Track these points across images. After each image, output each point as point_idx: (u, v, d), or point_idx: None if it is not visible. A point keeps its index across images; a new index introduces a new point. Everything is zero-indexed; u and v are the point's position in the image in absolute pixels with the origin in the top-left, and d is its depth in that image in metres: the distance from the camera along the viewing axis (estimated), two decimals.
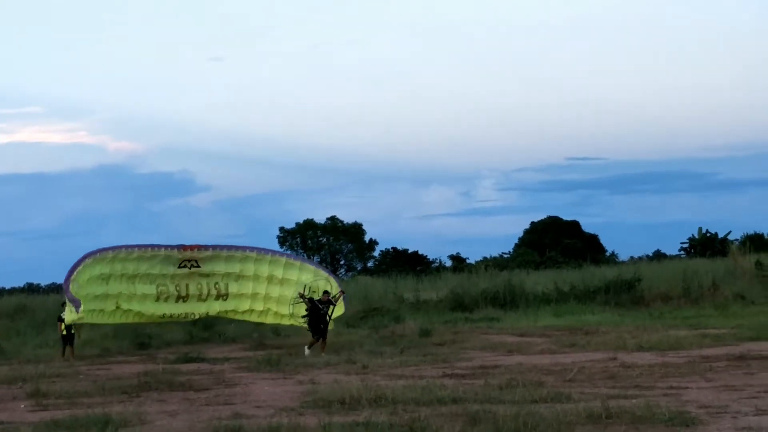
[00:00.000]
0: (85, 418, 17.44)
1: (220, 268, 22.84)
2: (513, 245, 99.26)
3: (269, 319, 28.44)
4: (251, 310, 25.96)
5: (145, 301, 19.22)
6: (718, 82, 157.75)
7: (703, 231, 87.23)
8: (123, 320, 20.55)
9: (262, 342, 37.47)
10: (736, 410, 15.91)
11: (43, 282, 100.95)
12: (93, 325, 43.89)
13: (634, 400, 16.94)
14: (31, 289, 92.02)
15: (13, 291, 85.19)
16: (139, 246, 19.22)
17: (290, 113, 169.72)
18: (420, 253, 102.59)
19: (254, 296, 28.67)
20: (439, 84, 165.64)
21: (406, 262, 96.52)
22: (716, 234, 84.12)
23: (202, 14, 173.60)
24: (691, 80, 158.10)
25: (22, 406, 20.78)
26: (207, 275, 21.19)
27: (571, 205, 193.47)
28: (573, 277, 58.42)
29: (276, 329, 43.20)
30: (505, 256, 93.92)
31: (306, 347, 30.99)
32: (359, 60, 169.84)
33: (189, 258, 19.91)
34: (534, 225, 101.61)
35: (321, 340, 31.23)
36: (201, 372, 26.76)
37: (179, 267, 21.98)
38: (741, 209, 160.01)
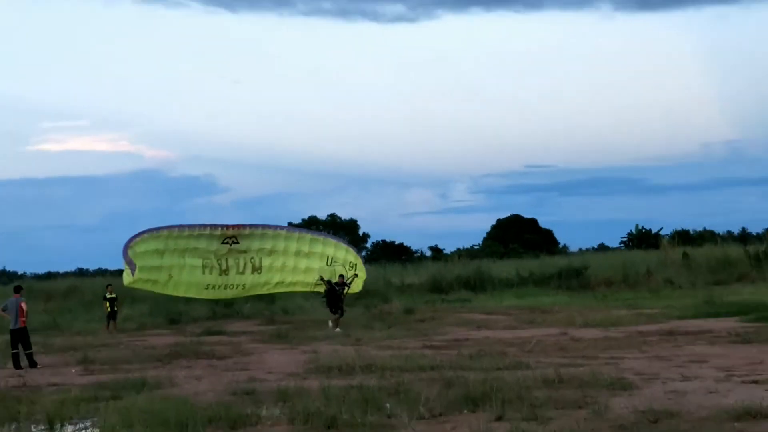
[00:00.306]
0: (125, 381, 17.91)
1: (255, 244, 22.83)
2: (482, 238, 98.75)
3: (297, 288, 28.48)
4: (281, 282, 25.93)
5: (193, 272, 19.36)
6: (648, 104, 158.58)
7: (639, 227, 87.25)
8: (173, 292, 20.63)
9: (273, 319, 37.48)
10: (665, 377, 16.24)
11: (91, 267, 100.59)
12: (132, 303, 44.22)
13: (581, 368, 17.37)
14: (81, 273, 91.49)
15: (66, 275, 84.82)
16: (189, 226, 19.50)
17: (297, 127, 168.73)
18: (405, 244, 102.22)
19: (283, 268, 28.46)
20: (421, 107, 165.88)
21: (393, 253, 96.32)
22: (650, 230, 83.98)
23: (224, 44, 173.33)
24: (626, 102, 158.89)
25: (73, 370, 21.15)
26: (244, 251, 21.32)
27: (530, 205, 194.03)
28: (531, 266, 58.44)
29: (285, 309, 43.48)
30: (475, 247, 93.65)
31: (330, 324, 31.11)
32: (357, 84, 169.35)
33: (230, 236, 20.08)
34: (499, 222, 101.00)
35: (339, 316, 31.42)
36: (222, 343, 26.98)
37: (222, 243, 22.09)
38: (668, 209, 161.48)
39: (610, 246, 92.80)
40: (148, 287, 18.33)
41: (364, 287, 51.39)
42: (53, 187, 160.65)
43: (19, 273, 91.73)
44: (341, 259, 24.45)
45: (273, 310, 42.03)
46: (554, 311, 36.30)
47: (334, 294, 32.11)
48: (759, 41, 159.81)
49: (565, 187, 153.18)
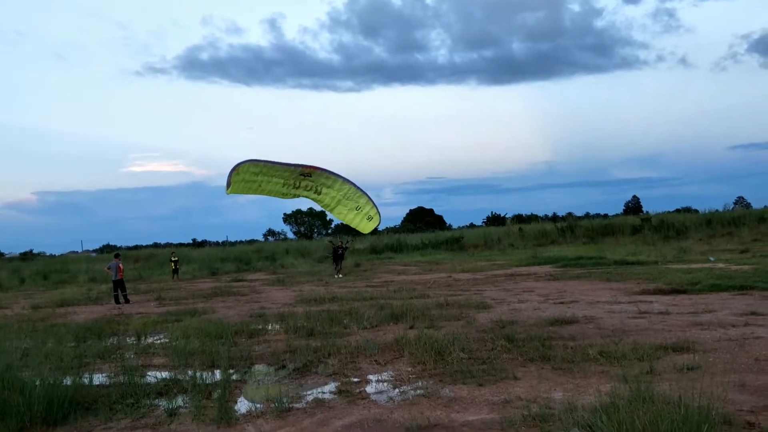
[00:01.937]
0: (184, 309, 17.81)
1: (320, 180, 21.94)
2: (401, 221, 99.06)
3: (334, 214, 27.98)
4: (327, 205, 25.16)
5: (276, 185, 18.67)
6: (498, 141, 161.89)
7: (494, 213, 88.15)
8: (260, 194, 19.89)
9: (275, 271, 37.53)
10: (509, 301, 16.37)
11: (162, 241, 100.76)
12: (188, 263, 43.92)
13: (459, 297, 17.50)
14: (156, 245, 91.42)
15: (147, 246, 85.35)
16: (280, 163, 19.00)
17: (288, 155, 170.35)
18: None
19: (331, 199, 27.54)
20: (366, 143, 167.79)
21: (348, 231, 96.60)
22: (500, 214, 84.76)
23: (242, 105, 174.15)
24: (486, 139, 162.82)
25: (152, 304, 20.91)
26: (312, 181, 20.57)
27: (429, 201, 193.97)
28: (430, 237, 58.74)
29: (282, 264, 43.31)
30: (397, 226, 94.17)
31: (336, 274, 30.90)
32: (326, 129, 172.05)
33: (305, 172, 19.52)
34: (411, 211, 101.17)
35: (339, 268, 31.42)
36: (243, 286, 26.75)
37: (299, 175, 21.44)
38: (511, 202, 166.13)
39: (477, 224, 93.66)
40: (242, 192, 17.79)
41: (328, 250, 51.50)
42: (138, 193, 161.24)
43: (118, 245, 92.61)
44: (364, 212, 23.89)
45: (275, 267, 41.96)
46: (443, 264, 36.30)
47: (336, 253, 32.05)
48: (567, 103, 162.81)
49: (451, 190, 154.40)
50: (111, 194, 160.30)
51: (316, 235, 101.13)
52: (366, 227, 21.93)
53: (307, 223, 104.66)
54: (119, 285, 22.10)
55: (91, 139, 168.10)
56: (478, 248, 49.41)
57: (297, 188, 21.27)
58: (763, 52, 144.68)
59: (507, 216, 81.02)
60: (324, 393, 7.88)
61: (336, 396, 7.68)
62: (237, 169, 15.57)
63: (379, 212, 19.47)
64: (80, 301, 23.56)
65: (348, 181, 18.40)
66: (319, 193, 23.27)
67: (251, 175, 17.74)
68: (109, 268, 22.96)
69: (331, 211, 26.15)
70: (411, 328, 12.18)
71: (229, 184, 17.45)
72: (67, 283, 36.29)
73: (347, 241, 35.40)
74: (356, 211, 29.72)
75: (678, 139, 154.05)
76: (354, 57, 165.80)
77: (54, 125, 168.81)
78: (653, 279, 19.24)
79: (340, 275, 30.66)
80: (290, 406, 7.31)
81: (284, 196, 21.19)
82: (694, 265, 23.76)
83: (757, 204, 75.54)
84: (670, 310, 12.97)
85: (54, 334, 13.73)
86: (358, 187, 18.69)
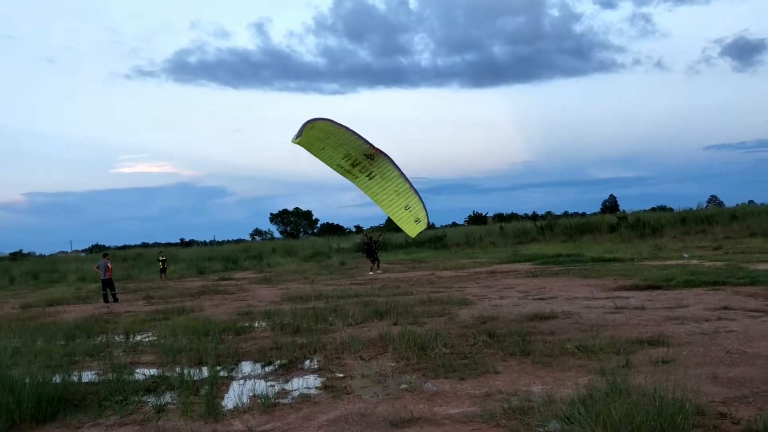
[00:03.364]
0: (172, 308, 17.72)
1: (381, 166, 21.43)
2: (385, 220, 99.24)
3: (379, 204, 27.05)
4: (373, 194, 24.51)
5: (337, 154, 18.22)
6: (478, 142, 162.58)
7: (475, 212, 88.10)
8: (318, 156, 19.25)
9: (262, 270, 37.38)
10: (490, 297, 16.41)
11: (150, 241, 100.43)
12: (175, 262, 43.74)
13: (442, 293, 17.48)
14: (144, 245, 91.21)
15: (135, 246, 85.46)
16: (357, 135, 18.44)
17: (274, 156, 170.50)
18: (341, 225, 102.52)
19: (381, 189, 26.64)
20: None
21: (334, 230, 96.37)
22: (481, 213, 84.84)
23: (230, 107, 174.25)
24: (463, 143, 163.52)
25: (140, 303, 20.79)
26: (371, 164, 20.05)
27: None
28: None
29: (269, 263, 43.16)
30: (382, 225, 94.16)
31: (369, 270, 30.03)
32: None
33: (371, 153, 19.10)
34: None
35: (376, 263, 30.58)
36: (231, 284, 26.67)
37: (364, 154, 20.90)
38: (491, 201, 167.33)
39: (459, 223, 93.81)
40: (307, 146, 17.29)
41: (315, 250, 51.45)
42: (126, 194, 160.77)
43: (106, 245, 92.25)
44: (412, 213, 23.28)
45: (261, 265, 41.82)
46: (426, 261, 36.30)
47: (370, 248, 31.28)
48: (546, 105, 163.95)
49: (434, 190, 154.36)
50: (100, 195, 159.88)
51: (302, 234, 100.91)
52: (412, 229, 21.65)
53: (294, 222, 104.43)
54: (108, 284, 21.98)
55: (80, 140, 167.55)
56: (461, 246, 49.50)
57: (354, 166, 20.72)
58: (735, 56, 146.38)
59: (488, 215, 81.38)
60: (309, 388, 7.86)
61: (321, 391, 7.67)
62: (314, 123, 15.29)
63: (427, 215, 19.28)
64: (69, 301, 23.38)
65: (405, 176, 18.12)
66: (371, 179, 22.57)
67: (323, 134, 17.44)
68: (98, 268, 22.90)
69: (377, 202, 25.20)
70: (395, 324, 12.19)
71: (299, 134, 17.17)
72: (57, 282, 36.01)
73: (378, 236, 34.75)
74: (405, 210, 28.79)
75: (653, 140, 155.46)
76: (339, 60, 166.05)
77: (44, 127, 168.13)
78: (629, 275, 19.36)
79: (379, 270, 30.01)
80: (276, 401, 7.29)
81: (338, 168, 20.69)
82: (668, 262, 23.94)
83: (729, 202, 76.26)
84: (645, 305, 13.06)
85: (43, 333, 13.60)
86: (413, 186, 18.41)
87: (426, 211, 21.89)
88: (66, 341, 12.55)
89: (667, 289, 15.89)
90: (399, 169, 19.96)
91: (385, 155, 18.55)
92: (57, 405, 7.27)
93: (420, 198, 22.08)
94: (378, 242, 32.55)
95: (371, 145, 16.99)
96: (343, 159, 20.44)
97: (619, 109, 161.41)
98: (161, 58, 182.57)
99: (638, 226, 45.09)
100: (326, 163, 20.54)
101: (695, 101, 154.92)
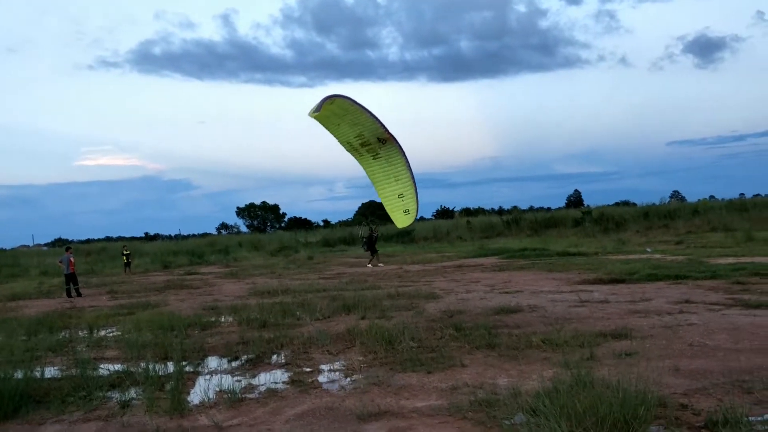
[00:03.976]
0: (137, 302, 17.51)
1: (389, 150, 20.55)
2: (353, 214, 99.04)
3: (381, 195, 25.80)
4: (373, 175, 23.39)
5: (351, 133, 17.66)
6: (447, 137, 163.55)
7: (443, 206, 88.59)
8: (332, 133, 18.55)
9: (228, 265, 37.11)
10: (457, 291, 16.48)
11: (114, 235, 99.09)
12: (140, 257, 43.26)
13: (409, 287, 17.53)
14: (107, 239, 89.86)
15: (98, 240, 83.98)
16: (376, 118, 17.75)
17: (239, 148, 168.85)
18: (308, 219, 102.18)
19: (384, 172, 25.44)
20: (318, 137, 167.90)
21: (301, 224, 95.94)
22: (449, 208, 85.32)
23: (194, 99, 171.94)
24: (436, 135, 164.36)
25: (104, 298, 20.47)
26: (380, 148, 19.41)
27: None
28: (382, 230, 58.87)
29: (235, 258, 42.85)
30: (349, 219, 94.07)
31: (369, 263, 29.24)
32: (277, 124, 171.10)
33: (385, 138, 18.49)
34: (363, 204, 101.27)
35: (375, 256, 29.78)
36: (196, 279, 26.39)
37: (377, 137, 20.08)
38: (459, 196, 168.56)
39: (426, 217, 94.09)
40: (323, 121, 16.85)
41: (283, 244, 51.22)
42: (89, 187, 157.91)
43: (69, 239, 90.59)
44: (403, 202, 22.53)
45: (228, 260, 41.51)
46: (395, 255, 36.38)
47: (371, 240, 30.60)
48: (512, 100, 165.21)
49: None
50: (62, 188, 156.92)
51: (269, 228, 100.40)
52: (401, 219, 21.08)
53: (260, 216, 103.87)
54: (71, 278, 21.66)
55: (42, 132, 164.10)
56: (428, 240, 49.69)
57: (363, 146, 20.21)
58: (697, 53, 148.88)
59: (455, 209, 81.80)
60: (277, 383, 7.82)
61: (288, 386, 7.64)
62: (333, 99, 15.01)
63: (417, 210, 19.00)
64: (32, 295, 22.98)
65: (409, 167, 17.86)
66: (376, 159, 22.07)
67: (341, 110, 17.11)
68: (60, 262, 22.56)
69: (375, 183, 24.51)
70: (362, 318, 12.18)
71: (318, 109, 16.76)
72: (19, 277, 35.29)
73: (376, 230, 33.67)
74: (398, 198, 28.00)
75: (617, 136, 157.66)
76: (307, 53, 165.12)
77: (5, 119, 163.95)
78: (593, 269, 19.59)
79: (380, 264, 29.39)
80: (243, 396, 7.24)
81: (347, 145, 20.16)
82: (632, 256, 24.30)
83: (691, 197, 77.51)
84: (609, 298, 13.24)
85: (4, 328, 13.34)
86: (413, 178, 18.15)
87: (417, 205, 21.61)
88: (28, 336, 12.32)
89: (630, 283, 16.12)
90: (405, 158, 19.67)
91: (396, 142, 18.29)
92: (19, 401, 7.13)
93: (416, 192, 21.80)
94: (377, 235, 31.82)
95: (386, 129, 16.78)
96: (355, 138, 20.05)
97: (584, 105, 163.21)
98: (125, 48, 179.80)
99: (602, 220, 45.74)
100: (338, 139, 20.17)
101: (658, 97, 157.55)
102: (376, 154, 23.66)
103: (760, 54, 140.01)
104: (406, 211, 27.25)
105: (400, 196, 25.36)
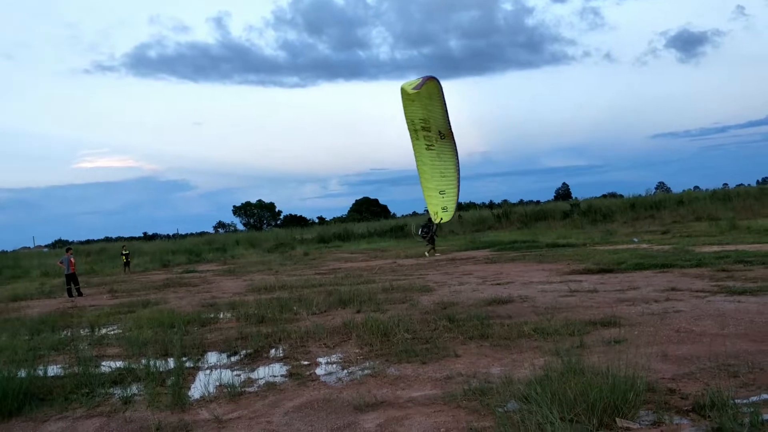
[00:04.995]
0: (137, 301, 17.43)
1: (443, 145, 19.98)
2: (347, 210, 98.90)
3: (425, 186, 24.74)
4: (422, 169, 22.44)
5: (421, 119, 17.58)
6: None
7: None
8: (409, 112, 18.13)
9: (226, 262, 37.05)
10: (450, 283, 16.51)
11: (113, 235, 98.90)
12: (139, 256, 43.17)
13: (403, 281, 17.56)
14: (107, 239, 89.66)
15: (98, 240, 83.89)
16: (445, 108, 17.39)
17: (235, 148, 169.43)
18: (303, 216, 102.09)
19: (432, 167, 24.31)
20: (311, 136, 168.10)
21: (296, 221, 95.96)
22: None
23: (190, 101, 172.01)
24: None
25: (105, 297, 20.45)
26: (437, 142, 19.17)
27: (374, 191, 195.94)
28: (375, 225, 58.93)
29: (233, 255, 42.77)
30: (343, 216, 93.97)
31: (426, 253, 29.07)
32: (271, 123, 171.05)
33: (444, 133, 18.25)
34: (356, 201, 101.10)
35: (432, 246, 29.54)
36: (195, 277, 26.34)
37: (438, 132, 19.61)
38: None
39: (419, 212, 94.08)
40: (404, 95, 16.78)
41: (279, 241, 51.16)
42: (88, 189, 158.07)
43: (70, 240, 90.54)
44: (444, 199, 22.34)
45: (225, 257, 41.45)
46: (388, 251, 36.43)
47: (430, 230, 29.61)
48: (500, 97, 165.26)
49: (394, 180, 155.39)
50: (62, 190, 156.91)
51: (265, 226, 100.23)
52: (438, 214, 20.69)
53: (257, 215, 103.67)
54: (72, 278, 21.60)
55: (41, 136, 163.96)
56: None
57: (424, 130, 19.89)
58: (680, 48, 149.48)
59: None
60: (275, 376, 7.82)
61: (287, 379, 7.64)
62: (430, 81, 14.90)
63: (455, 210, 18.70)
64: (33, 296, 22.88)
65: (458, 169, 17.69)
66: (429, 150, 21.76)
67: (426, 93, 17.04)
68: (61, 263, 22.50)
69: (421, 173, 24.29)
70: (358, 312, 12.17)
71: (419, 86, 16.64)
72: (20, 278, 35.19)
73: (437, 224, 30.94)
74: (439, 195, 27.98)
75: (603, 130, 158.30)
76: (299, 54, 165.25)
77: (4, 123, 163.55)
78: (582, 260, 19.64)
79: (437, 254, 29.09)
80: (242, 390, 7.24)
81: (410, 124, 19.90)
82: (619, 246, 24.37)
83: (676, 188, 77.95)
84: (598, 288, 13.27)
85: (7, 328, 13.29)
86: (459, 180, 18.04)
87: (455, 205, 21.26)
88: (30, 336, 12.27)
89: (618, 272, 16.17)
90: (457, 159, 19.33)
91: (454, 143, 18.06)
92: (23, 399, 7.10)
93: (457, 194, 21.46)
94: (436, 225, 29.86)
95: (450, 128, 16.65)
96: (419, 120, 19.82)
97: (571, 100, 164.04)
98: (120, 52, 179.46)
99: (590, 212, 45.83)
100: (406, 115, 19.96)
101: (643, 91, 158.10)
102: (431, 145, 23.37)
103: (740, 47, 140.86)
104: (444, 208, 26.99)
105: (442, 192, 25.09)
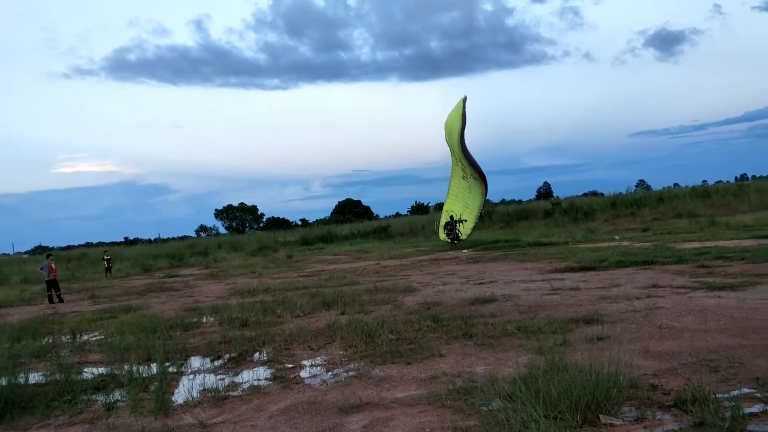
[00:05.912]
0: (119, 306, 17.30)
1: (471, 186, 20.53)
2: (330, 212, 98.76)
3: (449, 200, 25.89)
4: (453, 196, 23.25)
5: (456, 171, 18.18)
6: (410, 134, 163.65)
7: (418, 202, 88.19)
8: (449, 131, 18.89)
9: (208, 266, 36.85)
10: (434, 284, 16.54)
11: (94, 241, 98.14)
12: (121, 261, 42.80)
13: (387, 282, 17.53)
14: (88, 245, 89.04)
15: (79, 246, 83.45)
16: (467, 154, 18.08)
17: (215, 151, 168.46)
18: (286, 218, 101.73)
19: (462, 198, 25.89)
20: (292, 138, 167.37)
21: (279, 224, 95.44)
22: (424, 203, 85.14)
23: (170, 104, 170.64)
24: (401, 131, 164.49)
25: (86, 302, 20.25)
26: (470, 178, 19.64)
27: (357, 192, 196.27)
28: (358, 227, 58.92)
29: (215, 259, 42.52)
30: (326, 218, 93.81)
31: (449, 250, 30.02)
32: (252, 125, 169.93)
33: (470, 172, 18.84)
34: (339, 202, 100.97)
35: (456, 243, 30.45)
36: (177, 281, 26.17)
37: (466, 172, 19.84)
38: (433, 191, 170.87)
39: (402, 213, 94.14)
40: (446, 130, 17.92)
41: (262, 244, 50.93)
42: (68, 194, 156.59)
43: (50, 246, 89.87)
44: (466, 213, 22.74)
45: (208, 261, 41.19)
46: (372, 252, 36.32)
47: (453, 228, 30.64)
48: (481, 97, 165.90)
49: (376, 182, 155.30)
50: (41, 196, 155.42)
51: (247, 229, 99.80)
52: (443, 234, 21.70)
53: (239, 218, 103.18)
54: (52, 285, 21.39)
55: (19, 141, 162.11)
56: (404, 236, 49.77)
57: (461, 176, 20.65)
58: (658, 47, 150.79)
59: (430, 205, 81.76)
60: (259, 380, 7.78)
61: (271, 382, 7.61)
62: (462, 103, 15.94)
63: (474, 227, 19.40)
64: (13, 303, 22.61)
65: (482, 205, 18.63)
66: (464, 180, 22.34)
67: (457, 116, 17.90)
68: (41, 269, 22.29)
69: (448, 197, 25.16)
70: (342, 313, 12.15)
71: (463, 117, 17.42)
72: (0, 285, 34.77)
73: (459, 219, 32.63)
74: (463, 207, 28.87)
75: (584, 129, 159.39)
76: (280, 56, 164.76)
77: None
78: (564, 258, 19.75)
79: (465, 250, 29.60)
80: (227, 394, 7.20)
81: (451, 143, 20.52)
82: (601, 244, 24.53)
83: (656, 186, 78.71)
84: (580, 285, 13.35)
85: None
86: (479, 215, 18.97)
87: (476, 222, 22.55)
88: (11, 343, 12.11)
89: (600, 270, 16.28)
90: (484, 198, 20.31)
91: (485, 185, 19.42)
92: (3, 408, 7.02)
93: (480, 208, 22.72)
94: (458, 222, 31.65)
95: (478, 168, 17.85)
96: (458, 145, 20.70)
97: (551, 100, 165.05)
98: (100, 56, 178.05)
99: (571, 211, 46.08)
100: (447, 134, 21.13)
101: (622, 90, 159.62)
102: (465, 175, 24.97)
103: (718, 46, 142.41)
104: (459, 222, 27.89)
105: (466, 206, 26.29)
